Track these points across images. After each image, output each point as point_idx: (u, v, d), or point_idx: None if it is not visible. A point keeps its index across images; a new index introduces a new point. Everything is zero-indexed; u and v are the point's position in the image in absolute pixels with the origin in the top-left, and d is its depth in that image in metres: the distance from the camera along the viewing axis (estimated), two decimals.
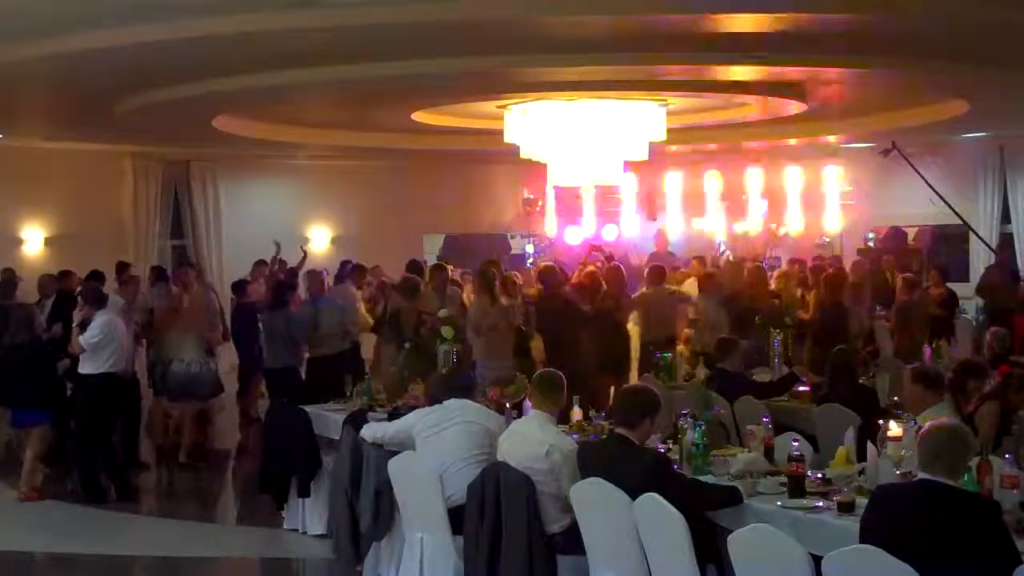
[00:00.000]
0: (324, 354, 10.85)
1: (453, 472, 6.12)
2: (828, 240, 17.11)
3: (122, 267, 13.09)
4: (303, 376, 11.33)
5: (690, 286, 13.02)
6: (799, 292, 12.56)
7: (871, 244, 16.76)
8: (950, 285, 13.50)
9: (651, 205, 17.65)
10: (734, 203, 17.32)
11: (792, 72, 10.67)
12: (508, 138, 12.50)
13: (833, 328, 10.51)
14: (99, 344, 9.38)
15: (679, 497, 5.13)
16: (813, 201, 16.91)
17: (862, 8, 8.11)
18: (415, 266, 12.34)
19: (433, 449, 6.26)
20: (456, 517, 6.00)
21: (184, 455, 10.84)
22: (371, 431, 6.88)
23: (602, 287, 11.47)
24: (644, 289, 11.97)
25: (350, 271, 12.90)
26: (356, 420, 7.45)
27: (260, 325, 11.87)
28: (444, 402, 6.51)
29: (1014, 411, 6.55)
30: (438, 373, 8.28)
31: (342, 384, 8.89)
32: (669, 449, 6.20)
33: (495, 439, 6.14)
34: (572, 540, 5.60)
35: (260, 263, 14.34)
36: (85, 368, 9.48)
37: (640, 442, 5.61)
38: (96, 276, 11.65)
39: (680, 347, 11.33)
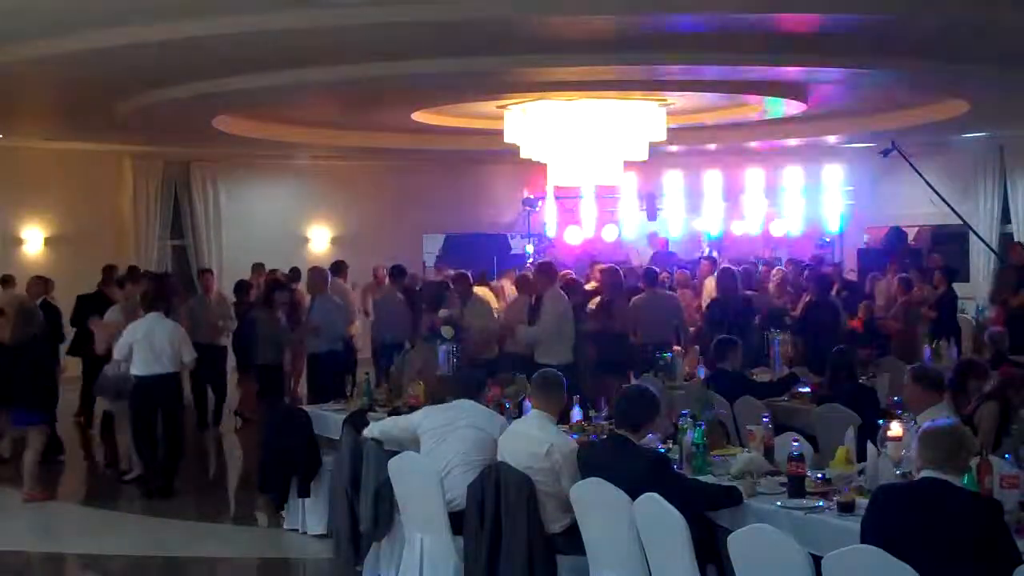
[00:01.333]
0: (316, 351, 10.84)
1: (454, 476, 6.11)
2: (828, 240, 17.13)
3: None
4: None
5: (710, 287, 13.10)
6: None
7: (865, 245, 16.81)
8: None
9: (651, 205, 17.66)
10: (734, 203, 17.33)
11: (792, 72, 10.68)
12: (508, 138, 12.51)
13: (817, 327, 10.58)
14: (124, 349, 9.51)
15: (679, 497, 5.13)
16: (813, 201, 16.93)
17: (863, 8, 8.11)
18: (399, 271, 12.28)
19: (437, 450, 6.25)
20: (456, 520, 6.00)
21: (126, 463, 10.36)
22: (374, 428, 6.87)
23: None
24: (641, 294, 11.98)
25: (332, 268, 12.98)
26: (356, 420, 7.45)
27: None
28: (452, 402, 6.51)
29: (1014, 411, 6.55)
30: (444, 373, 8.28)
31: (339, 382, 8.90)
32: (669, 449, 6.20)
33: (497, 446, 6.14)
34: (572, 540, 5.60)
35: (258, 266, 14.44)
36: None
37: (640, 442, 5.62)
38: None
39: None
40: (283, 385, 11.16)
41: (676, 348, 10.59)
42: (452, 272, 12.68)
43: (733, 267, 12.38)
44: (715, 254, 16.47)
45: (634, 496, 5.15)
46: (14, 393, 9.57)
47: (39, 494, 9.44)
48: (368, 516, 6.74)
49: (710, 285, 13.83)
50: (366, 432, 6.92)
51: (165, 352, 9.47)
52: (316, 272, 11.58)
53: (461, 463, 6.16)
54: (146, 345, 9.43)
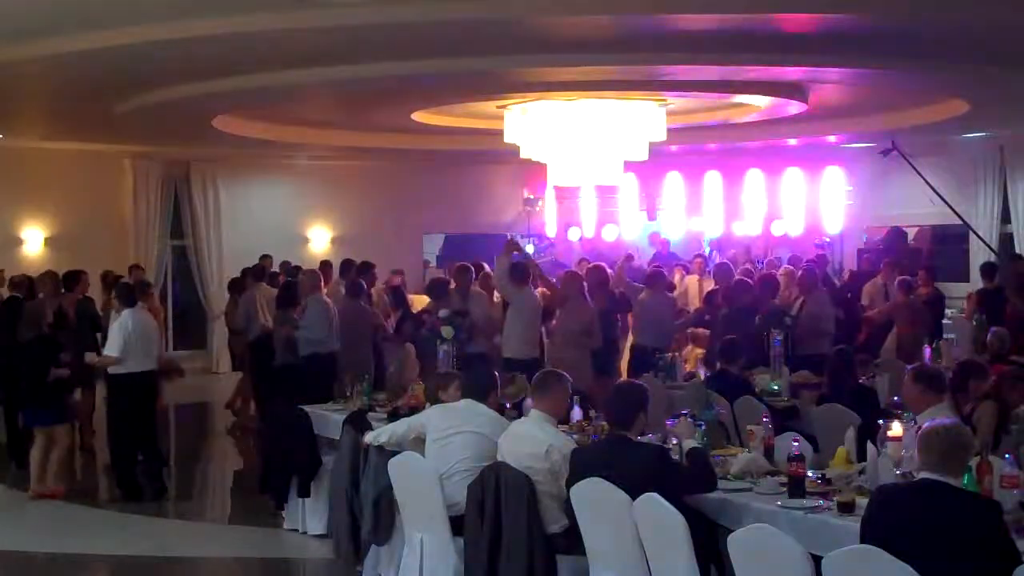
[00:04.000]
0: (314, 352, 10.79)
1: (456, 482, 6.09)
2: (828, 240, 17.13)
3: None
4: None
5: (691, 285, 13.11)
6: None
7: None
8: (951, 285, 13.52)
9: (651, 205, 17.68)
10: (734, 203, 17.34)
11: (792, 72, 10.68)
12: (508, 138, 12.51)
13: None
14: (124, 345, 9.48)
15: (685, 481, 5.38)
16: (813, 201, 16.93)
17: (863, 8, 8.12)
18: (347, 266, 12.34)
19: (440, 452, 6.23)
20: (456, 522, 5.99)
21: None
22: (379, 435, 6.82)
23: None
24: (642, 294, 11.99)
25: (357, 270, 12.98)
26: (356, 420, 7.44)
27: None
28: (459, 402, 6.49)
29: (1011, 409, 6.56)
30: (452, 372, 8.25)
31: (337, 383, 8.88)
32: (670, 449, 6.20)
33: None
34: (572, 540, 5.60)
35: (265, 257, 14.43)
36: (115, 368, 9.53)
37: (636, 437, 5.61)
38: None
39: (691, 349, 11.34)
40: (301, 386, 11.10)
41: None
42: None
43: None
44: (715, 255, 16.49)
45: (638, 490, 5.16)
46: (22, 394, 9.62)
47: (51, 492, 9.46)
48: (368, 522, 6.73)
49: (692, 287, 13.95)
50: (371, 439, 6.84)
51: (154, 347, 9.54)
52: (309, 274, 11.55)
53: (463, 468, 6.12)
54: (141, 340, 9.47)
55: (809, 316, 10.55)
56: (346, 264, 12.84)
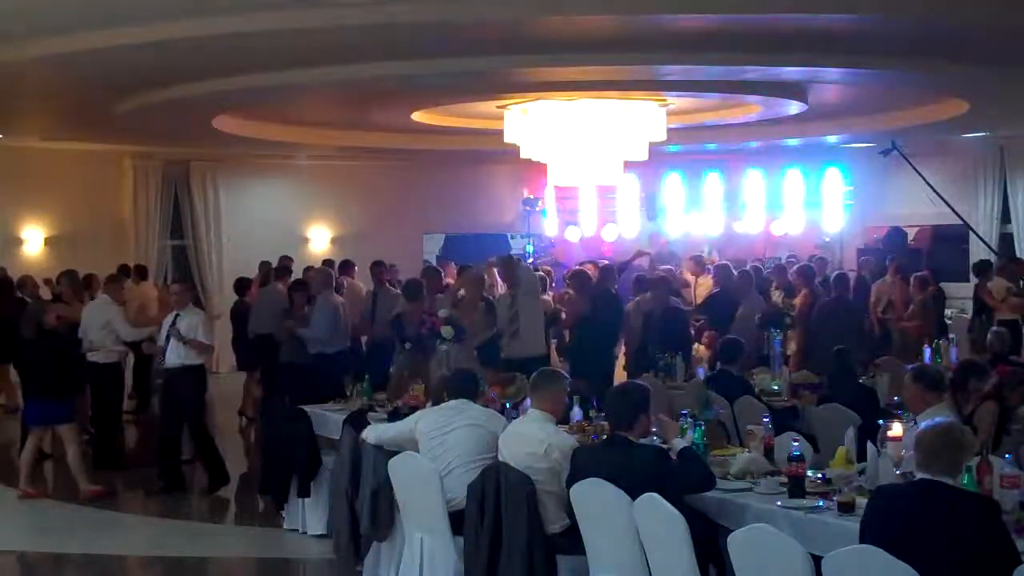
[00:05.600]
0: (321, 352, 10.78)
1: (455, 476, 6.10)
2: (828, 240, 17.13)
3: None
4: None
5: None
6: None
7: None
8: (951, 285, 13.54)
9: (651, 205, 17.68)
10: (733, 203, 17.34)
11: (792, 72, 10.68)
12: (508, 138, 12.51)
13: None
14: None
15: (684, 481, 5.35)
16: (813, 201, 16.93)
17: (862, 8, 8.12)
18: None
19: (437, 451, 6.24)
20: (456, 520, 6.00)
21: None
22: (371, 433, 6.86)
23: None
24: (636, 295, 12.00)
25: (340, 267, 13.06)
26: (356, 420, 7.44)
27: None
28: (447, 402, 6.50)
29: (1012, 410, 6.56)
30: (442, 372, 8.27)
31: (340, 383, 8.88)
32: (670, 449, 6.19)
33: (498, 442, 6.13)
34: (572, 540, 5.60)
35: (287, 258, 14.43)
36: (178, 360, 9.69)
37: (639, 438, 5.61)
38: None
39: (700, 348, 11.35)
40: (309, 384, 11.12)
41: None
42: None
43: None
44: (715, 255, 16.48)
45: (638, 490, 5.15)
46: (28, 390, 9.63)
47: (35, 491, 9.44)
48: (366, 516, 6.73)
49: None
50: (364, 436, 6.89)
51: None
52: (319, 273, 11.57)
53: (461, 463, 6.14)
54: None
55: (742, 317, 10.95)
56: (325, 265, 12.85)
